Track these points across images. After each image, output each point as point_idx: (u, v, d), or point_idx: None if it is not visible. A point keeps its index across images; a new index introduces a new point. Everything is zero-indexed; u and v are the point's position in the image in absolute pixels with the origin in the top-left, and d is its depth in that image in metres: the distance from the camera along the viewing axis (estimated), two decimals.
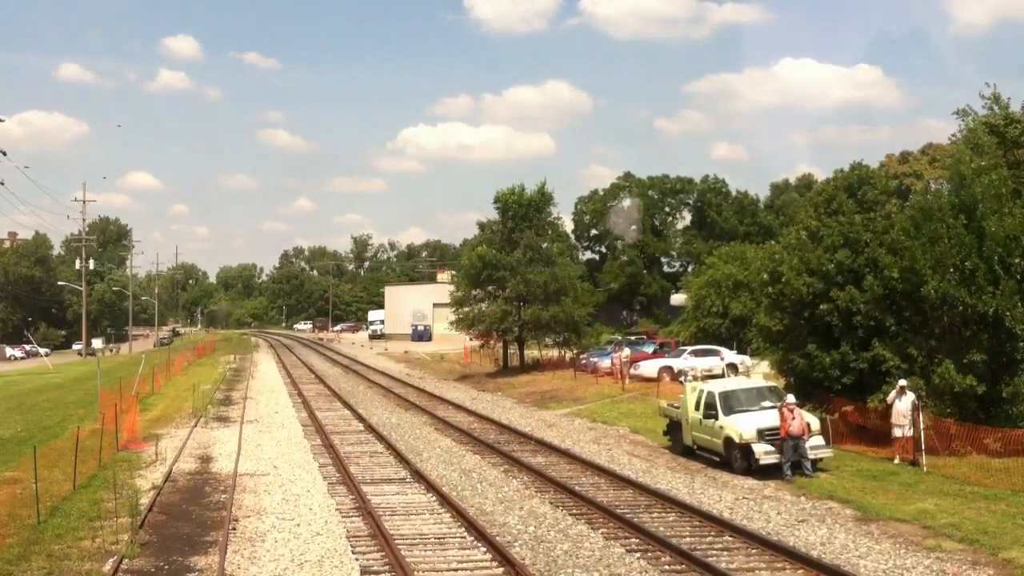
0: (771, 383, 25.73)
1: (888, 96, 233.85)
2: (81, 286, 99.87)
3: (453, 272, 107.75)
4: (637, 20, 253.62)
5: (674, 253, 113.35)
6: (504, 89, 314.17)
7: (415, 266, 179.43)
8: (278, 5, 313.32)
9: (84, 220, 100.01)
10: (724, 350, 44.77)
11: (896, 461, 22.51)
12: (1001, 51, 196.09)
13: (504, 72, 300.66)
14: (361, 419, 33.56)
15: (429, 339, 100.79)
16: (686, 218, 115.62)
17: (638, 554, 15.25)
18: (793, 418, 21.17)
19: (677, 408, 25.51)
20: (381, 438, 28.62)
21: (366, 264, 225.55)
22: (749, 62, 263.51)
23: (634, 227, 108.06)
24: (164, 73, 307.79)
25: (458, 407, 37.41)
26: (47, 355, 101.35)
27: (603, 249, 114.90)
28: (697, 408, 23.69)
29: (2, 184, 62.79)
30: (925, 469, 21.54)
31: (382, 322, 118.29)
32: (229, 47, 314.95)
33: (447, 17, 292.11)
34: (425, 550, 15.71)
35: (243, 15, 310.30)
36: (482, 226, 60.25)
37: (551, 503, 19.20)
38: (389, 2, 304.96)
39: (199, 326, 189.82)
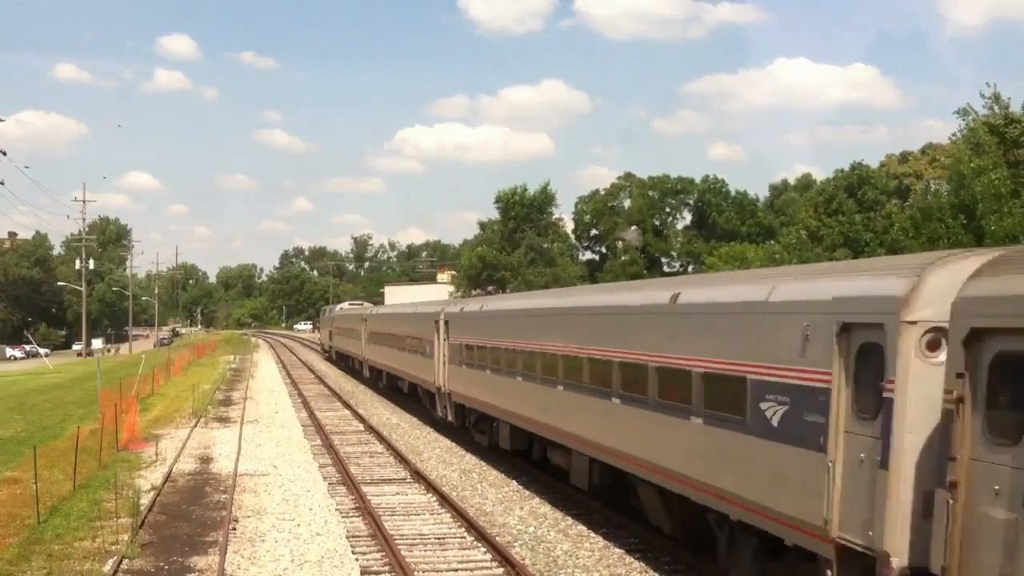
0: None
1: (886, 96, 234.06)
2: (81, 286, 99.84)
3: (453, 272, 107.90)
4: (632, 21, 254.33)
5: (674, 253, 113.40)
6: (500, 89, 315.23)
7: (415, 266, 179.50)
8: (273, 5, 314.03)
9: (84, 220, 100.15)
10: None
11: None
12: (998, 51, 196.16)
13: (500, 72, 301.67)
14: (361, 419, 33.55)
15: None
16: (686, 218, 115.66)
17: None
18: None
19: None
20: (381, 438, 28.62)
21: (366, 264, 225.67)
22: (745, 62, 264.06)
23: (634, 227, 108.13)
24: (161, 73, 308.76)
25: None
26: (47, 355, 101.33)
27: (603, 249, 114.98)
28: None
29: (2, 184, 62.81)
30: None
31: None
32: (225, 47, 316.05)
33: (442, 18, 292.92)
34: (425, 550, 15.71)
35: (239, 15, 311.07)
36: (483, 226, 60.44)
37: (551, 503, 19.23)
38: (385, 3, 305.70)
39: (199, 326, 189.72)
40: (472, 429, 25.83)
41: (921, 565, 8.67)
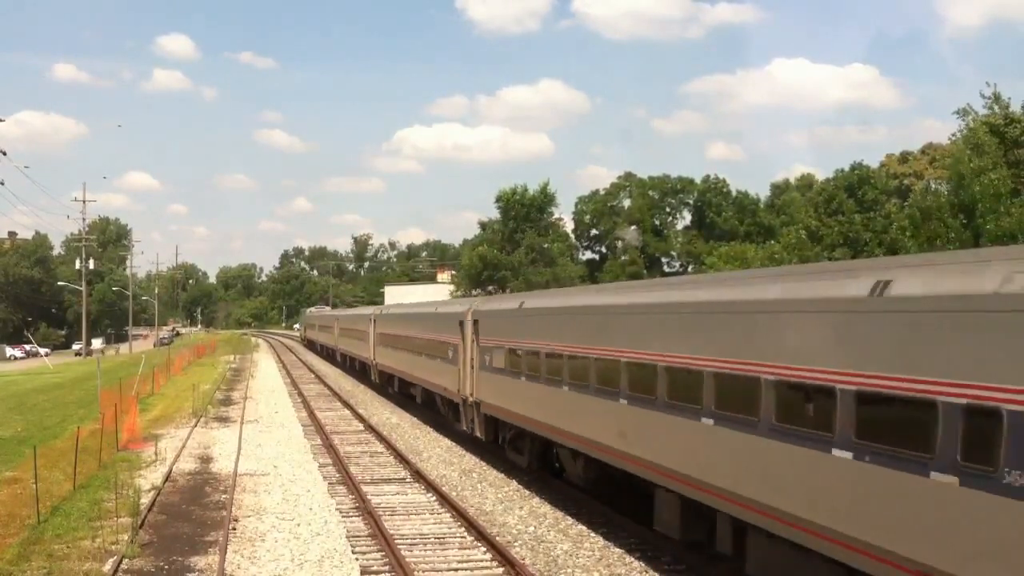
0: None
1: (885, 96, 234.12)
2: (81, 286, 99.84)
3: (453, 272, 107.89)
4: (631, 21, 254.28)
5: (674, 253, 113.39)
6: (499, 89, 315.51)
7: (415, 266, 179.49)
8: (273, 5, 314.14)
9: (84, 220, 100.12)
10: None
11: None
12: (997, 51, 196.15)
13: (499, 73, 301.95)
14: (361, 419, 33.56)
15: None
16: (686, 218, 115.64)
17: None
18: None
19: None
20: (381, 438, 28.63)
21: (366, 264, 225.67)
22: (744, 62, 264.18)
23: (634, 227, 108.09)
24: (159, 73, 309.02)
25: None
26: (47, 355, 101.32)
27: (603, 249, 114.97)
28: None
29: (2, 184, 62.79)
30: None
31: None
32: (224, 47, 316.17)
33: (441, 18, 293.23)
34: (425, 550, 15.72)
35: (238, 15, 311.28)
36: (483, 226, 60.35)
37: (551, 503, 19.23)
38: (384, 3, 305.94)
39: (199, 326, 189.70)
40: None
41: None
